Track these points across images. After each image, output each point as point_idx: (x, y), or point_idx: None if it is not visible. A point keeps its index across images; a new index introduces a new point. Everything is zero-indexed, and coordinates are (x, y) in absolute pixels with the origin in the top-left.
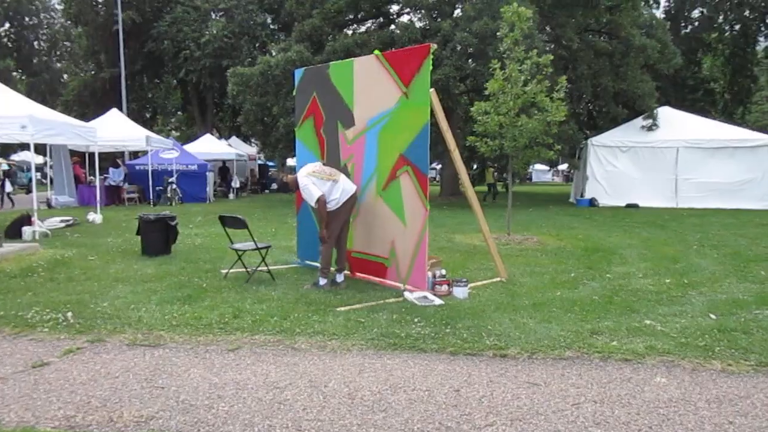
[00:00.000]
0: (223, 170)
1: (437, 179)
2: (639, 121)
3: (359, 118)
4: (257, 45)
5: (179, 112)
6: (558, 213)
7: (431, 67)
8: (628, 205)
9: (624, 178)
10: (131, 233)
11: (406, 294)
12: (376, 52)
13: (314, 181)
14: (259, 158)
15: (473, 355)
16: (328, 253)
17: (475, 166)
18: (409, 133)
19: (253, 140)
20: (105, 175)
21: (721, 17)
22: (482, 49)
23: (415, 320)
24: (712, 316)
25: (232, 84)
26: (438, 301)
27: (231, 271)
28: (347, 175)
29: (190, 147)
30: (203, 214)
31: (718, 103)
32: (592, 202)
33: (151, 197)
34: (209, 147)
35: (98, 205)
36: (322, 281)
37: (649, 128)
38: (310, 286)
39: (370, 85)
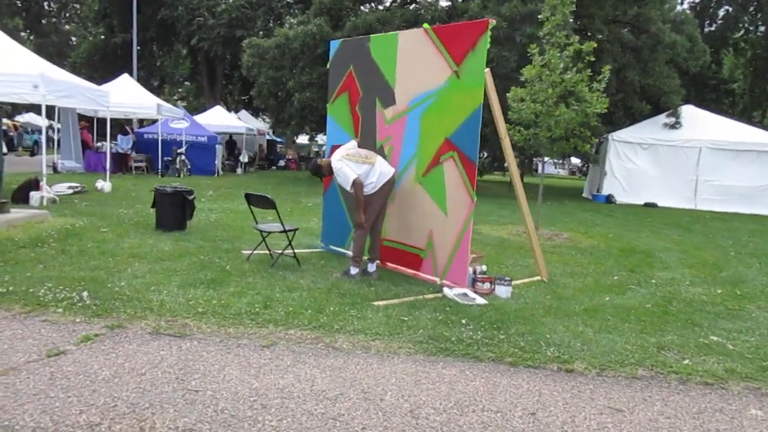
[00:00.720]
0: (231, 144)
1: None
2: (661, 118)
3: (401, 96)
4: (272, 17)
5: (186, 82)
6: (576, 208)
7: (488, 45)
8: (647, 204)
9: (643, 176)
10: (142, 204)
11: (446, 290)
12: (425, 25)
13: (349, 163)
14: (268, 134)
15: (535, 368)
16: (363, 241)
17: (485, 155)
18: (457, 115)
19: (261, 115)
20: (114, 142)
21: (746, 16)
22: (510, 33)
23: (462, 321)
24: None
25: (248, 55)
26: (480, 300)
27: (254, 252)
28: (383, 157)
29: (199, 118)
30: (213, 188)
31: (738, 105)
32: (609, 199)
33: (160, 167)
34: (219, 119)
35: (108, 173)
36: (354, 270)
37: (672, 126)
38: (340, 275)
39: (415, 61)
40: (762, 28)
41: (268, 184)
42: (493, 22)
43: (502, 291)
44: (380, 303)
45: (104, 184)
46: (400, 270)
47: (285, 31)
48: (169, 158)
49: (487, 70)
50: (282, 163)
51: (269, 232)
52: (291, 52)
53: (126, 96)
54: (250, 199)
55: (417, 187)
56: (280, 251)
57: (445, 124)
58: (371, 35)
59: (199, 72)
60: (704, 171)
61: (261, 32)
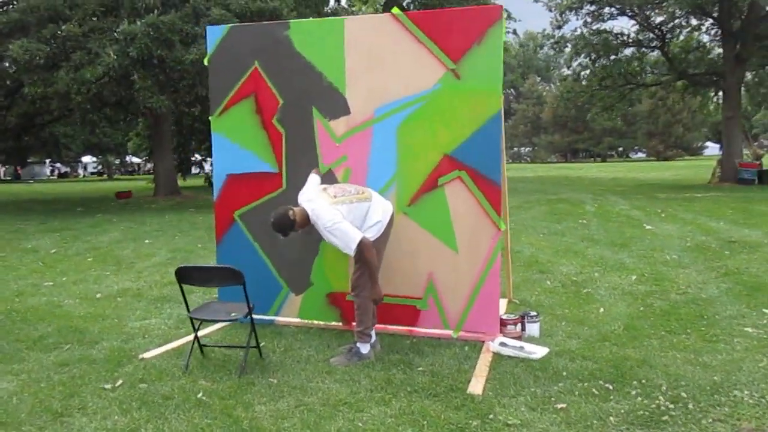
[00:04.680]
0: None
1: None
2: None
3: (359, 104)
4: None
5: None
6: None
7: (504, 38)
8: None
9: None
10: None
11: (491, 345)
12: (395, 10)
13: (345, 211)
14: None
15: None
16: (370, 308)
17: None
18: (461, 126)
19: None
20: None
21: None
22: None
23: (608, 387)
24: None
25: None
26: (539, 350)
27: (151, 354)
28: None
29: None
30: None
31: None
32: None
33: None
34: None
35: None
36: (365, 349)
37: None
38: (346, 360)
39: (380, 56)
40: None
41: None
42: (501, 7)
43: (534, 329)
44: (477, 391)
45: None
46: (383, 329)
47: None
48: None
49: None
50: None
51: (215, 321)
52: None
53: None
54: (185, 275)
55: (401, 219)
56: (246, 346)
57: (442, 137)
58: (291, 20)
59: None
60: None
61: None
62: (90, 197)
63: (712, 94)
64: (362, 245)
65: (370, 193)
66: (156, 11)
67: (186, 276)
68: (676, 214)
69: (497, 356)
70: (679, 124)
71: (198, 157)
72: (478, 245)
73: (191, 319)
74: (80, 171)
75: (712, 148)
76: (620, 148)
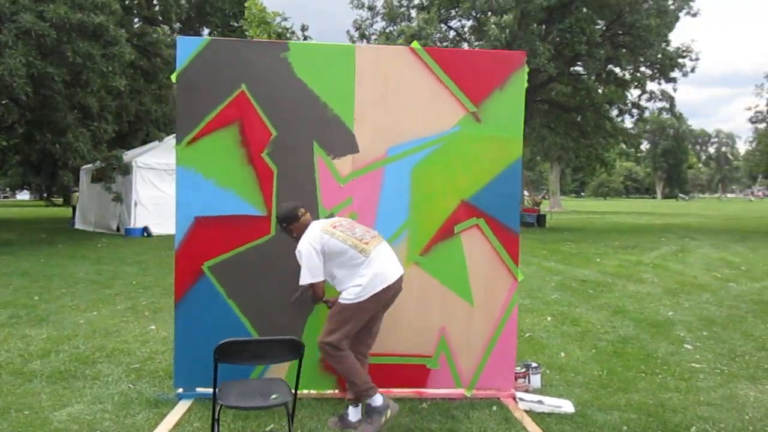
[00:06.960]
0: None
1: None
2: (171, 142)
3: (370, 141)
4: None
5: None
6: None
7: (525, 84)
8: None
9: (172, 204)
10: None
11: (522, 404)
12: (415, 44)
13: (328, 241)
14: None
15: None
16: (352, 364)
17: None
18: (479, 171)
19: None
20: None
21: None
22: (58, 46)
23: None
24: None
25: None
26: (565, 404)
27: None
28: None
29: None
30: None
31: None
32: (145, 231)
33: None
34: None
35: None
36: (378, 400)
37: None
38: (370, 427)
39: (393, 92)
40: None
41: None
42: (524, 54)
43: (536, 381)
44: None
45: None
46: (387, 392)
47: None
48: None
49: None
50: None
51: (254, 408)
52: None
53: None
54: (230, 352)
55: (413, 270)
56: None
57: (460, 181)
58: (290, 42)
59: None
60: None
61: None
62: None
63: None
64: (314, 287)
65: (373, 248)
66: None
67: (231, 353)
68: None
69: (530, 414)
70: None
71: None
72: (494, 297)
73: (215, 407)
74: None
75: None
76: None
